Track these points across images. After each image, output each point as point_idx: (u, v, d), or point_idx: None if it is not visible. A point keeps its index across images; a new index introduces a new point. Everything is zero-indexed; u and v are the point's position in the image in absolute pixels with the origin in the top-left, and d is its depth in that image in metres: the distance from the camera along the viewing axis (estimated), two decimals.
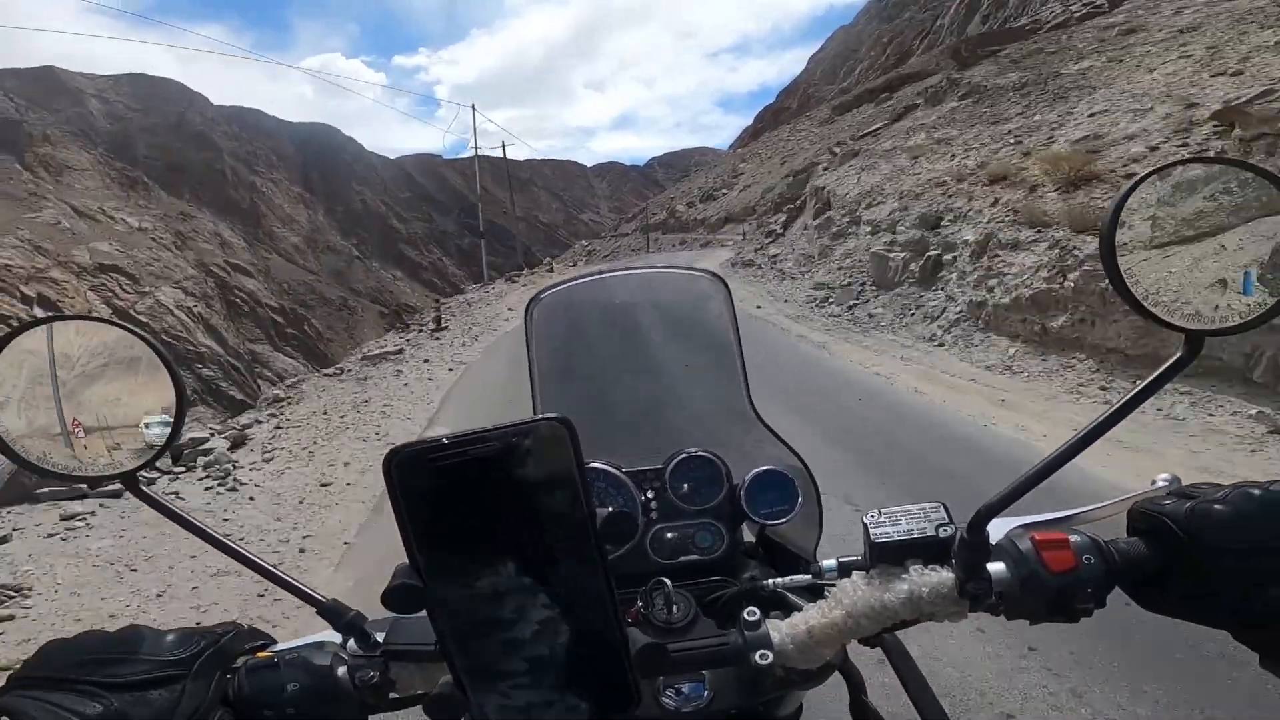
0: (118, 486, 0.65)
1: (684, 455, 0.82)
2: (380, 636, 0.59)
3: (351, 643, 0.60)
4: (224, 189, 72.11)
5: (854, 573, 0.61)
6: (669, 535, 0.80)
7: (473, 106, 29.66)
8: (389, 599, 0.41)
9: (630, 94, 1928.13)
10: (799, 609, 0.62)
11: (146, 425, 0.63)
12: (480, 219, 25.88)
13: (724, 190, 58.18)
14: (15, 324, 0.54)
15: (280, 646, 0.60)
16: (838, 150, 24.69)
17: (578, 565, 0.43)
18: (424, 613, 0.48)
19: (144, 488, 0.63)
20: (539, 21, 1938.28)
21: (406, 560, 0.42)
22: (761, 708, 0.66)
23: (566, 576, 0.43)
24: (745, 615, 0.59)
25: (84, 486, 5.44)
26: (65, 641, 0.52)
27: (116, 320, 0.63)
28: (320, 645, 0.60)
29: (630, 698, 0.45)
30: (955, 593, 0.56)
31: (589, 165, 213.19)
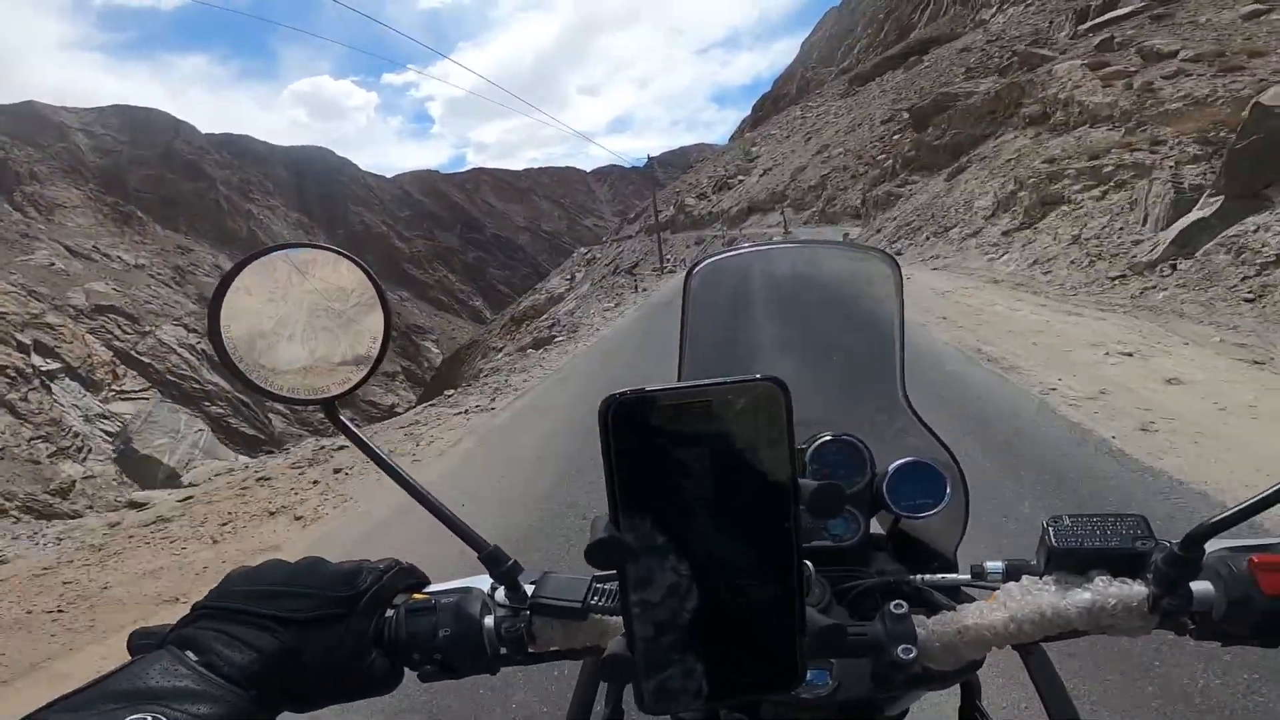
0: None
1: (826, 438, 0.80)
2: (528, 589, 0.59)
3: (500, 592, 0.60)
4: (220, 219, 70.26)
5: (1023, 576, 0.58)
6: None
7: None
8: (593, 553, 0.40)
9: (624, 96, 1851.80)
10: (948, 608, 0.59)
11: (352, 356, 0.66)
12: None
13: (740, 177, 55.53)
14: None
15: (434, 588, 0.61)
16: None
17: (772, 534, 0.42)
18: (565, 572, 0.46)
19: (340, 415, 0.65)
20: (526, 30, 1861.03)
21: (607, 513, 0.41)
22: (878, 703, 0.65)
23: (759, 545, 0.42)
24: (891, 608, 0.56)
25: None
26: (248, 570, 0.54)
27: (343, 251, 0.66)
28: (470, 591, 0.60)
29: (796, 677, 0.44)
30: (1145, 607, 0.54)
31: (588, 170, 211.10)
